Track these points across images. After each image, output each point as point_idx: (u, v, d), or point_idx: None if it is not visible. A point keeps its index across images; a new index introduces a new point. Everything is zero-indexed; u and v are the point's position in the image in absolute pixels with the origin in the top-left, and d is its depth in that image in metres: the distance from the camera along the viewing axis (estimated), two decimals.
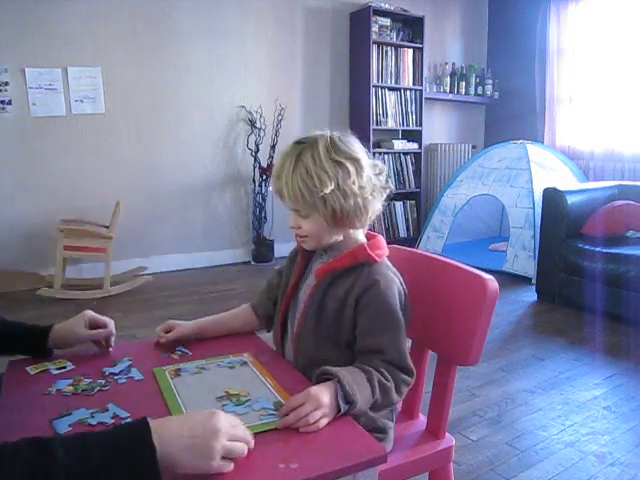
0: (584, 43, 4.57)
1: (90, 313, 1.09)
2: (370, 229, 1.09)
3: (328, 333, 1.00)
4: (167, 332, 1.13)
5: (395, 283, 0.98)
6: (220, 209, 4.25)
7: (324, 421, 0.79)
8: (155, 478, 0.62)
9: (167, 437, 0.65)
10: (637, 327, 2.79)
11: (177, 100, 3.94)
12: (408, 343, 0.99)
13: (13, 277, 3.48)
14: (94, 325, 1.08)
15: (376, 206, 1.00)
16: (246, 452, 0.71)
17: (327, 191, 0.92)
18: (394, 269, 1.02)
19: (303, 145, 0.97)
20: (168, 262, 4.03)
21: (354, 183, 0.95)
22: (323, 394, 0.81)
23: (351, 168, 0.95)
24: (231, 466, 0.69)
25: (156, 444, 0.63)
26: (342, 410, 0.82)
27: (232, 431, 0.70)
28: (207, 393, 0.90)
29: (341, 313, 0.98)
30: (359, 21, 4.52)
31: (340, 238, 1.01)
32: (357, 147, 1.00)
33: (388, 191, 1.02)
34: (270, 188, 4.20)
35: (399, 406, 1.12)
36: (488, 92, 5.39)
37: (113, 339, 1.09)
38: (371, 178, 0.98)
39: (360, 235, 1.05)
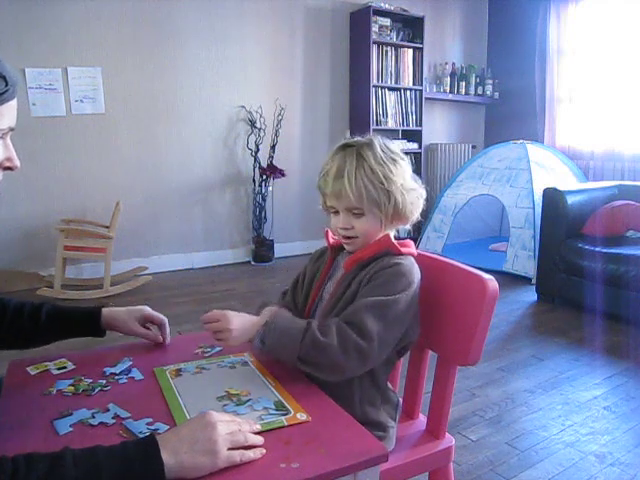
0: (584, 43, 4.57)
1: (147, 311, 1.12)
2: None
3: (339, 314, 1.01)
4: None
5: (415, 280, 0.99)
6: (220, 209, 4.25)
7: (228, 340, 0.96)
8: None
9: (170, 449, 0.67)
10: (637, 327, 2.79)
11: (177, 100, 3.94)
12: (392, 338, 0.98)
13: (13, 277, 3.48)
14: (149, 321, 1.12)
15: (422, 204, 1.07)
16: (250, 439, 0.73)
17: (398, 185, 1.00)
18: (418, 270, 1.02)
19: (356, 147, 1.02)
20: (168, 262, 4.03)
21: (409, 179, 1.04)
22: (237, 322, 0.97)
23: (405, 165, 1.04)
24: (245, 456, 0.70)
25: (164, 459, 0.65)
26: (254, 345, 0.96)
27: (228, 424, 0.73)
28: (208, 393, 0.90)
29: (356, 293, 1.00)
30: (359, 21, 4.52)
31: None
32: (399, 148, 1.08)
33: (424, 189, 1.08)
34: (270, 188, 4.21)
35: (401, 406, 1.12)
36: (488, 92, 5.39)
37: (168, 339, 1.13)
38: (413, 176, 1.07)
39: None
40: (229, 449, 0.70)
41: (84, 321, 1.06)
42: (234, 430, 0.73)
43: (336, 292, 1.05)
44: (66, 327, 1.06)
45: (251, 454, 0.71)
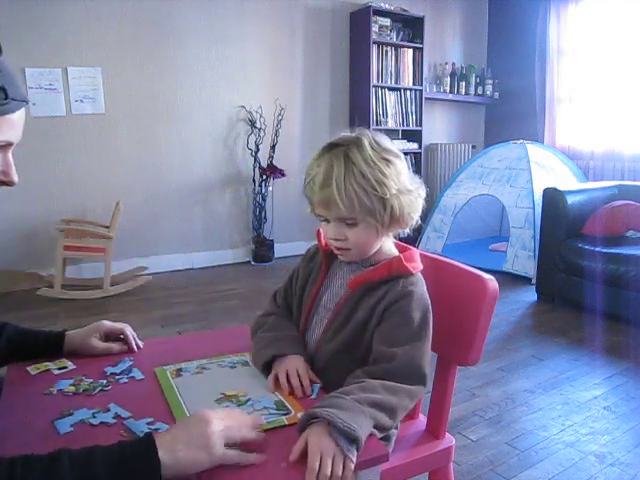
0: (584, 43, 4.57)
1: (105, 325, 1.07)
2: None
3: (347, 344, 0.96)
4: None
5: (428, 300, 0.96)
6: (220, 209, 4.25)
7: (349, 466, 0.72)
8: None
9: (167, 446, 0.67)
10: (637, 327, 2.79)
11: (177, 100, 3.94)
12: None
13: (13, 277, 3.48)
14: (109, 336, 1.08)
15: (421, 204, 0.97)
16: (246, 433, 0.73)
17: (393, 189, 0.89)
18: (425, 286, 0.98)
19: (344, 147, 0.91)
20: (168, 262, 4.03)
21: (406, 180, 0.93)
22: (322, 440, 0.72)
23: (400, 165, 0.93)
24: (245, 458, 0.70)
25: (160, 456, 0.65)
26: (348, 451, 0.71)
27: (224, 420, 0.73)
28: (208, 393, 0.90)
29: (367, 322, 0.94)
30: (359, 21, 4.52)
31: (378, 247, 0.98)
32: (392, 144, 0.96)
33: (424, 187, 0.98)
34: (270, 188, 4.20)
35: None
36: (488, 92, 5.39)
37: (135, 345, 1.08)
38: (410, 174, 0.97)
39: (392, 246, 1.03)
40: (226, 445, 0.70)
41: (45, 348, 1.03)
42: (229, 426, 0.72)
43: (339, 312, 0.97)
44: (26, 352, 1.02)
45: (251, 458, 0.71)
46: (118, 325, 1.09)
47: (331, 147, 0.93)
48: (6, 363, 1.02)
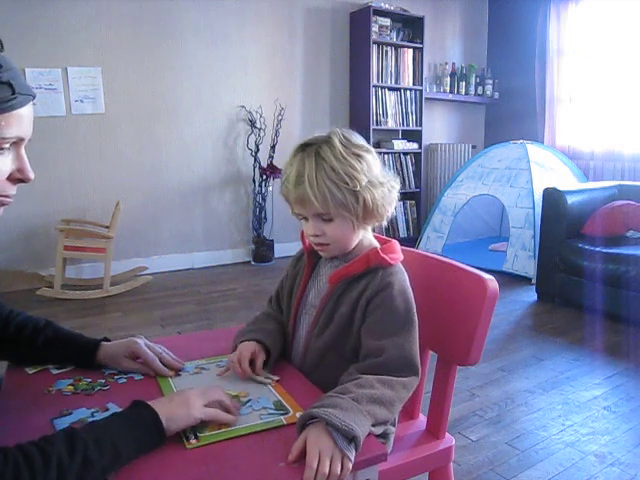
0: (584, 43, 4.57)
1: (135, 347, 0.98)
2: (372, 230, 1.07)
3: (335, 340, 0.98)
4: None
5: (409, 288, 0.97)
6: (220, 209, 4.25)
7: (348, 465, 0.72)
8: (161, 430, 0.73)
9: (156, 405, 0.76)
10: (637, 327, 2.79)
11: (177, 100, 3.94)
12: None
13: (13, 277, 3.48)
14: (136, 357, 0.99)
15: (396, 196, 0.99)
16: (223, 397, 0.82)
17: (364, 182, 0.91)
18: (406, 275, 0.99)
19: (314, 146, 0.94)
20: (168, 262, 4.03)
21: (378, 173, 0.95)
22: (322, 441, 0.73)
23: (370, 159, 0.95)
24: (221, 415, 0.79)
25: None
26: (346, 450, 0.72)
27: (200, 389, 0.82)
28: None
29: (352, 316, 0.96)
30: (359, 21, 4.52)
31: (357, 241, 1.00)
32: (364, 140, 0.99)
33: (398, 180, 1.00)
34: (270, 188, 4.20)
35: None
36: (488, 92, 5.39)
37: (166, 372, 0.98)
38: (383, 168, 0.98)
39: (372, 239, 1.03)
40: (205, 406, 0.78)
41: (78, 356, 1.00)
42: (206, 390, 0.82)
43: (323, 309, 0.99)
44: (60, 357, 1.01)
45: (225, 416, 0.79)
46: (147, 352, 0.98)
47: (303, 147, 0.96)
48: (42, 363, 1.00)
